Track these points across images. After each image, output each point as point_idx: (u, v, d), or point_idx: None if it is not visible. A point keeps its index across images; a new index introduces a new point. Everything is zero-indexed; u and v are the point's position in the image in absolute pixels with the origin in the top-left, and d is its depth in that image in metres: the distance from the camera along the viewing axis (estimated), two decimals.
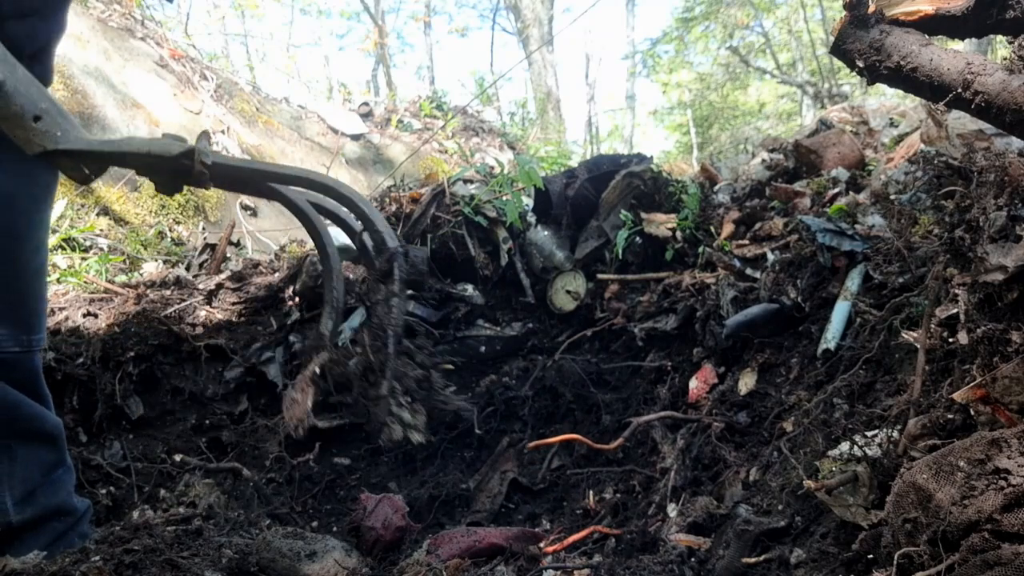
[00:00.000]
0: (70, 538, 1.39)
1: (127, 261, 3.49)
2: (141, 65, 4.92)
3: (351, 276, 2.68)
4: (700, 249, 2.62)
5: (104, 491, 1.92)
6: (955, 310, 1.27)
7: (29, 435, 1.36)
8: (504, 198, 2.77)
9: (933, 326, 1.31)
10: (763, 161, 3.16)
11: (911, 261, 1.71)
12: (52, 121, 1.08)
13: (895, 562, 0.81)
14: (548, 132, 10.99)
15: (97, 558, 1.14)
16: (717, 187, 3.12)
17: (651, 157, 3.06)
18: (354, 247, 2.90)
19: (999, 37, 0.99)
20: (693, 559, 1.35)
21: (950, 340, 1.28)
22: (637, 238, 2.82)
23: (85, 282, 2.80)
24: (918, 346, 1.29)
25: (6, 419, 1.31)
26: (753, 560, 1.20)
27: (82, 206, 3.86)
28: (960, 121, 2.12)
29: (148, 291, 2.55)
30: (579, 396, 2.48)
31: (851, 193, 2.45)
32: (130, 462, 2.07)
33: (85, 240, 3.54)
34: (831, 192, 2.52)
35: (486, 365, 2.78)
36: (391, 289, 1.23)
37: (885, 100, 4.27)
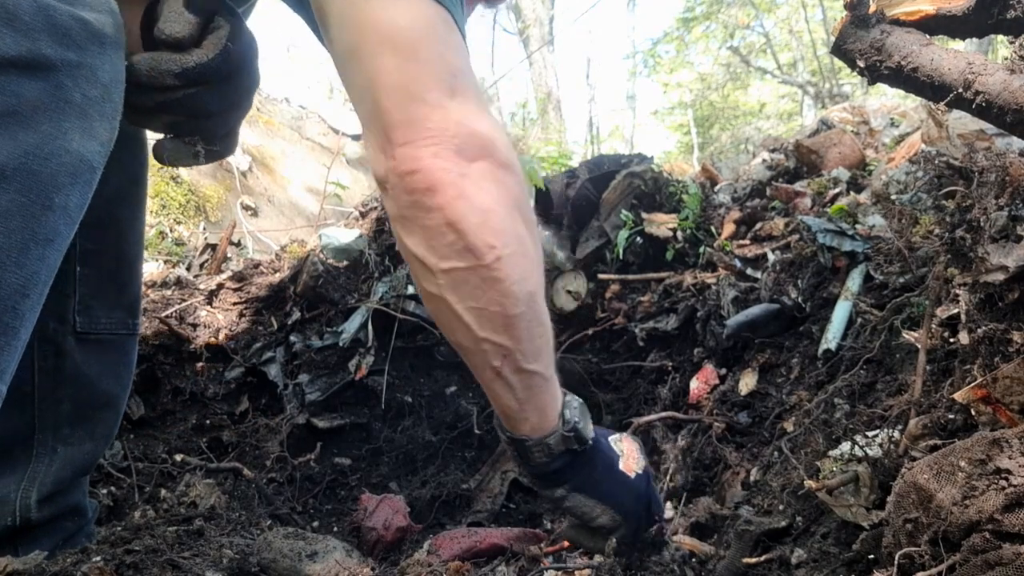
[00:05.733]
0: (77, 539, 1.39)
1: None
2: None
3: (351, 277, 2.68)
4: (701, 249, 2.62)
5: (105, 491, 1.92)
6: (956, 310, 1.27)
7: (79, 439, 1.37)
8: None
9: (934, 326, 1.31)
10: (764, 161, 3.16)
11: (912, 261, 1.71)
12: None
13: (896, 562, 0.81)
14: (549, 132, 10.98)
15: (98, 558, 1.14)
16: (718, 187, 3.12)
17: (652, 157, 3.06)
18: (355, 248, 2.89)
19: (1000, 37, 0.99)
20: (694, 559, 1.35)
21: (951, 340, 1.28)
22: (638, 238, 2.82)
23: None
24: (919, 346, 1.29)
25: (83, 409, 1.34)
26: (754, 560, 1.20)
27: None
28: (961, 121, 2.11)
29: (148, 291, 2.55)
30: (580, 396, 2.47)
31: (852, 193, 2.45)
32: (131, 462, 2.07)
33: None
34: (832, 192, 2.52)
35: None
36: None
37: (886, 100, 4.27)
